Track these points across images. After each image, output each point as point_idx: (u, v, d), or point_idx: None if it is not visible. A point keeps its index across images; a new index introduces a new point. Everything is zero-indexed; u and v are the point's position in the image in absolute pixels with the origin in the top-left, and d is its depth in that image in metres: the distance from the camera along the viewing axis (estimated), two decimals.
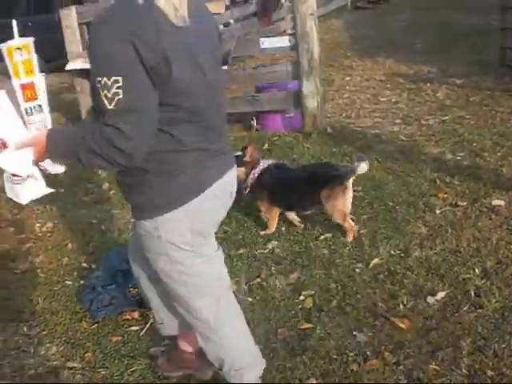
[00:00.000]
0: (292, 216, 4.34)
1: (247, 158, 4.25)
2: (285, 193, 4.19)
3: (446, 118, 6.17)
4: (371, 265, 3.64)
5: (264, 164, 4.29)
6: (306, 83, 5.96)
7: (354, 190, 4.57)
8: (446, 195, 4.40)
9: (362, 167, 4.00)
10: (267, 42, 6.10)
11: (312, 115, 6.08)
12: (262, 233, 4.27)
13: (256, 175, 4.25)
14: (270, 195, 4.23)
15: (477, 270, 3.42)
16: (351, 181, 4.02)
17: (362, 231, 4.05)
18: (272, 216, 4.27)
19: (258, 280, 3.69)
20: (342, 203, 3.97)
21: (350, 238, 3.99)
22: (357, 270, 3.61)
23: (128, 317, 3.52)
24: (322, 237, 4.08)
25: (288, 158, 5.48)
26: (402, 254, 3.71)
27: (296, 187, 4.14)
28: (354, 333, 3.06)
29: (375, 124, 6.33)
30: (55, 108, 7.80)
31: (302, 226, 4.29)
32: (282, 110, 6.38)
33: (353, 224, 4.05)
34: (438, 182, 4.63)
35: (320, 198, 4.02)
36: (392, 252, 3.74)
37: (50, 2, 12.24)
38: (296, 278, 3.64)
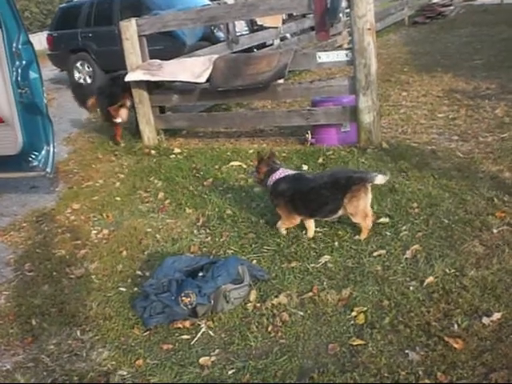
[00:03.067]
0: (310, 223, 4.43)
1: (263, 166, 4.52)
2: (306, 201, 4.31)
3: (505, 135, 6.02)
4: (426, 283, 3.57)
5: (283, 173, 4.46)
6: (362, 98, 5.92)
7: (410, 207, 4.54)
8: (503, 214, 4.28)
9: (380, 178, 4.17)
10: (324, 56, 6.08)
11: (367, 130, 6.03)
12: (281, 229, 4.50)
13: (272, 183, 4.44)
14: (289, 204, 4.36)
15: None
16: (370, 184, 4.19)
17: (416, 249, 3.98)
18: (290, 222, 4.45)
19: (310, 294, 3.66)
20: (364, 204, 4.18)
21: (364, 236, 4.22)
22: (411, 288, 3.54)
23: (179, 325, 3.56)
24: (375, 253, 4.01)
25: None
26: (458, 273, 3.62)
27: (317, 195, 4.26)
28: (407, 351, 3.00)
29: (432, 140, 6.22)
30: None
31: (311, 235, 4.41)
32: (338, 124, 6.34)
33: (370, 224, 4.26)
34: (496, 200, 4.51)
35: (343, 202, 4.16)
36: (447, 270, 3.66)
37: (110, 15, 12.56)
38: (348, 294, 3.59)
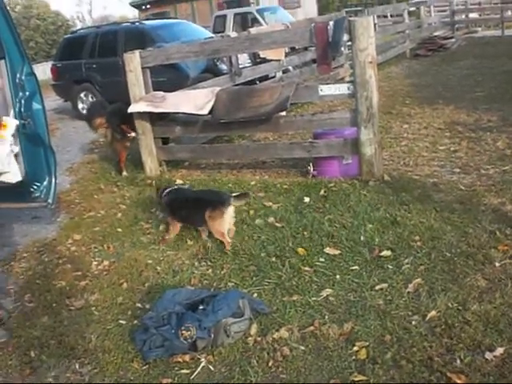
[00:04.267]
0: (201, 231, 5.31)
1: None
2: (180, 209, 5.32)
3: (507, 168, 6.03)
4: (428, 317, 3.54)
5: (169, 188, 5.63)
6: (363, 130, 5.94)
7: (412, 240, 4.53)
8: (506, 247, 4.25)
9: (235, 201, 5.08)
10: (326, 89, 6.13)
11: (369, 162, 6.04)
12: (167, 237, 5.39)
13: (161, 196, 5.54)
14: (171, 211, 5.40)
15: None
16: (231, 207, 4.99)
17: (419, 282, 3.95)
18: (174, 226, 5.38)
19: (312, 328, 3.62)
20: (219, 223, 4.95)
21: (227, 248, 4.93)
22: (413, 322, 3.51)
23: (179, 359, 3.52)
24: (377, 287, 3.99)
25: (344, 206, 5.44)
26: (460, 307, 3.58)
27: (188, 206, 5.28)
28: None
29: (433, 173, 6.23)
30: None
31: (205, 237, 5.22)
32: (340, 156, 6.36)
33: (229, 240, 4.97)
34: (498, 233, 4.49)
35: (205, 218, 4.99)
36: (450, 305, 3.63)
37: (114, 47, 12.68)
38: (350, 328, 3.56)
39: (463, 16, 23.37)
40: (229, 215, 5.00)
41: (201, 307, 3.71)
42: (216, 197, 5.20)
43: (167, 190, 5.54)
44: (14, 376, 3.64)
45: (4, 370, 3.71)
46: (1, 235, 6.27)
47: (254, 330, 3.67)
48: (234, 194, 5.16)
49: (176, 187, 5.81)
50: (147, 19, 17.23)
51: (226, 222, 4.98)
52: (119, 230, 5.83)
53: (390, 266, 4.23)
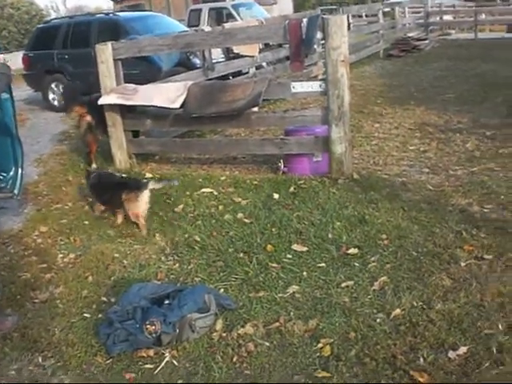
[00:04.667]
0: (117, 214, 5.69)
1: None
2: (102, 192, 5.80)
3: (475, 169, 6.10)
4: (392, 315, 3.56)
5: (96, 172, 6.23)
6: (334, 128, 5.96)
7: (379, 238, 4.55)
8: (471, 247, 4.30)
9: (151, 184, 5.55)
10: (298, 86, 6.13)
11: (339, 161, 6.06)
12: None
13: (87, 179, 6.10)
14: (93, 193, 5.96)
15: (500, 326, 3.32)
16: (146, 191, 5.40)
17: (384, 280, 3.98)
18: (97, 206, 5.92)
19: (277, 324, 3.62)
20: (134, 206, 5.35)
21: (143, 231, 5.33)
22: (377, 320, 3.53)
23: (143, 354, 3.50)
24: (343, 284, 4.01)
25: (313, 203, 5.45)
26: (425, 306, 3.62)
27: (108, 189, 5.69)
28: None
29: (402, 172, 6.28)
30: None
31: (119, 222, 5.64)
32: (310, 154, 6.37)
33: (144, 223, 5.37)
34: (464, 233, 4.54)
35: (122, 200, 5.42)
36: (414, 303, 3.65)
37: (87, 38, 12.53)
38: (315, 325, 3.57)
39: (437, 18, 23.63)
40: (144, 199, 5.39)
41: (166, 302, 3.69)
42: (133, 182, 5.78)
43: (93, 174, 6.06)
44: None
45: None
46: None
47: (219, 325, 3.66)
48: (153, 181, 5.85)
49: (102, 172, 6.51)
50: (121, 11, 17.08)
51: (140, 205, 5.37)
52: (86, 222, 5.77)
53: (357, 264, 4.26)
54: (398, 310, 3.60)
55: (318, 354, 3.30)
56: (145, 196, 5.39)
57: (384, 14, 18.84)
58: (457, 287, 3.81)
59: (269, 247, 4.67)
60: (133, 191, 5.41)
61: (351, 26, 19.92)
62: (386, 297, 3.78)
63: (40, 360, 3.61)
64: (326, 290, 3.97)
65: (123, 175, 6.41)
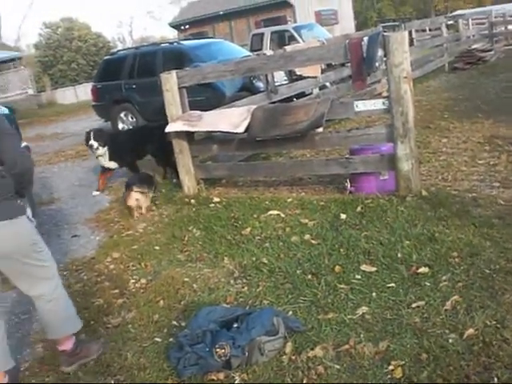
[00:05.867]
0: None
1: None
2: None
3: None
4: (465, 335, 3.46)
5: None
6: (400, 146, 5.88)
7: (450, 256, 4.44)
8: None
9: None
10: (361, 105, 6.10)
11: (406, 178, 5.97)
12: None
13: None
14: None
15: None
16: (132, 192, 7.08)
17: (456, 299, 3.87)
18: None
19: (347, 347, 3.58)
20: (131, 202, 7.14)
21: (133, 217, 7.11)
22: (450, 341, 3.44)
23: (213, 377, 3.51)
24: (414, 304, 3.92)
25: (381, 222, 5.39)
26: (498, 325, 3.50)
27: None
28: None
29: (472, 187, 6.13)
30: (149, 168, 8.15)
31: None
32: (376, 172, 6.31)
33: (136, 214, 7.12)
34: None
35: None
36: (487, 322, 3.54)
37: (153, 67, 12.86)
38: (386, 347, 3.50)
39: (502, 28, 23.09)
40: (132, 196, 7.07)
41: (235, 325, 3.71)
42: (129, 181, 7.40)
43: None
44: None
45: None
46: None
47: (288, 348, 3.64)
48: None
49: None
50: (186, 39, 17.45)
51: (130, 200, 7.08)
52: (157, 247, 5.88)
53: (428, 283, 4.16)
54: (470, 330, 3.49)
55: (389, 377, 3.24)
56: (132, 195, 7.08)
57: (447, 26, 18.58)
58: None
59: (337, 268, 4.63)
60: (127, 189, 7.19)
61: (414, 41, 19.72)
62: (458, 316, 3.68)
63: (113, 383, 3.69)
64: (396, 311, 3.90)
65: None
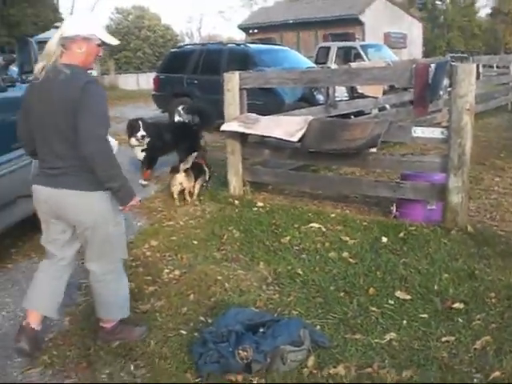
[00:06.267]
0: None
1: None
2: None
3: None
4: (491, 377, 3.38)
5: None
6: (452, 178, 5.80)
7: (487, 296, 4.35)
8: None
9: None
10: (420, 131, 6.03)
11: (454, 211, 5.88)
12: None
13: None
14: None
15: None
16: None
17: (487, 340, 3.79)
18: None
19: (369, 370, 3.53)
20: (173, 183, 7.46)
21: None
22: (475, 380, 3.37)
23: (232, 378, 3.50)
24: (444, 338, 3.85)
25: (422, 251, 5.31)
26: None
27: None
28: None
29: None
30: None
31: None
32: (424, 200, 6.23)
33: (175, 196, 7.40)
34: None
35: None
36: None
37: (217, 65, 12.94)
38: (409, 376, 3.45)
39: None
40: (176, 179, 7.28)
41: (261, 330, 3.70)
42: (176, 164, 7.64)
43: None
44: (70, 367, 3.73)
45: (61, 360, 3.82)
46: None
47: (311, 361, 3.62)
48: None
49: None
50: (253, 43, 17.55)
51: (173, 183, 7.32)
52: (194, 242, 5.91)
53: (461, 320, 4.09)
54: (497, 373, 3.41)
55: None
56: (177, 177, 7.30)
57: None
58: None
59: (371, 290, 4.59)
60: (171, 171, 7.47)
61: (481, 75, 19.40)
62: (487, 357, 3.60)
63: (132, 368, 3.71)
64: (424, 342, 3.83)
65: None
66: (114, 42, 3.74)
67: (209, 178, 7.77)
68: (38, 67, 3.57)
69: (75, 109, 3.39)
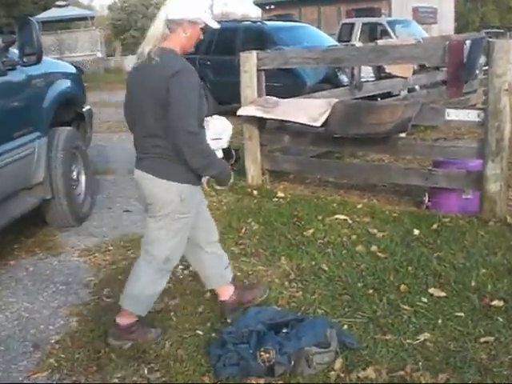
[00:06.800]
0: None
1: None
2: None
3: None
4: None
5: None
6: (490, 164, 5.76)
7: None
8: None
9: None
10: (453, 114, 5.98)
11: (492, 200, 5.84)
12: None
13: None
14: None
15: None
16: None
17: None
18: None
19: (402, 373, 3.52)
20: None
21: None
22: None
23: (253, 381, 3.49)
24: (482, 339, 3.83)
25: (457, 244, 5.28)
26: None
27: None
28: None
29: None
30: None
31: None
32: (459, 189, 6.19)
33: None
34: None
35: None
36: None
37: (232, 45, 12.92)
38: (445, 379, 3.44)
39: None
40: None
41: (284, 330, 3.70)
42: None
43: None
44: (78, 371, 3.76)
45: (70, 363, 3.83)
46: (90, 224, 6.53)
47: (338, 364, 3.61)
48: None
49: None
50: (270, 20, 17.50)
51: None
52: None
53: (500, 319, 4.06)
54: None
55: None
56: None
57: None
58: None
59: (402, 287, 4.57)
60: None
61: None
62: None
63: (145, 372, 3.71)
64: (461, 343, 3.82)
65: None
66: (216, 25, 3.79)
67: (235, 160, 7.70)
68: (140, 50, 3.69)
69: (162, 99, 3.50)
